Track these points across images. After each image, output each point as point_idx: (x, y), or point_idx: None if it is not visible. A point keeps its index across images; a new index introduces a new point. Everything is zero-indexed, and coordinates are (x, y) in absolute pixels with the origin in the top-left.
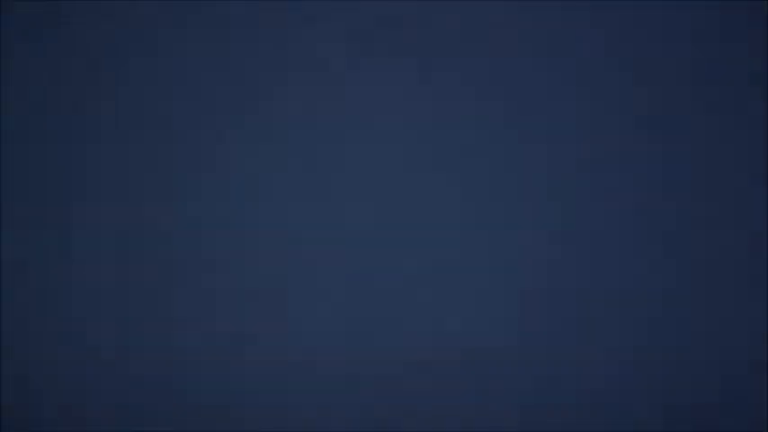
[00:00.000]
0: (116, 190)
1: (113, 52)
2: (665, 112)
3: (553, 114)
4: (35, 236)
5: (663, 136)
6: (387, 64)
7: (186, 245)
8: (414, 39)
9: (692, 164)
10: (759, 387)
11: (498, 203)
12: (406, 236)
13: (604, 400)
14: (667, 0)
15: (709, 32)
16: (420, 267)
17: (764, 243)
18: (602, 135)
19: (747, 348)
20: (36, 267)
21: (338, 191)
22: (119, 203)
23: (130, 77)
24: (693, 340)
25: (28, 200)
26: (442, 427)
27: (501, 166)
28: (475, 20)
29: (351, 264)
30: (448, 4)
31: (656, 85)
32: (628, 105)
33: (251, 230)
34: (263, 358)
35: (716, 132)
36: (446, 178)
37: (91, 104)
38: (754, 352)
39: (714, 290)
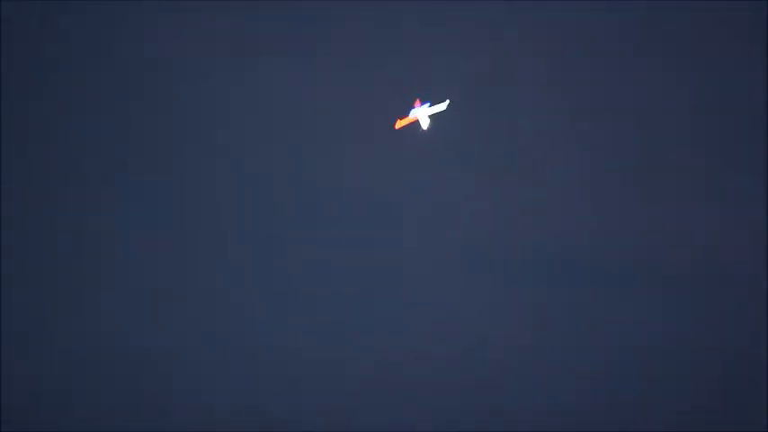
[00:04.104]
0: (116, 191)
1: (113, 53)
2: (665, 113)
3: (551, 115)
4: (36, 236)
5: (661, 136)
6: (386, 60)
7: (185, 245)
8: (415, 36)
9: (692, 164)
10: (759, 387)
11: (497, 202)
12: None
13: (604, 401)
14: (668, 0)
15: (709, 32)
16: (420, 266)
17: (764, 243)
18: (599, 136)
19: (747, 348)
20: (36, 268)
21: (337, 191)
22: (120, 204)
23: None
24: (694, 340)
25: (28, 200)
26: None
27: (500, 167)
28: (476, 18)
29: (350, 264)
30: (447, 4)
31: (655, 86)
32: (628, 106)
33: (250, 231)
34: (262, 358)
35: (716, 132)
36: (446, 179)
37: (91, 104)
38: (754, 352)
39: (714, 291)
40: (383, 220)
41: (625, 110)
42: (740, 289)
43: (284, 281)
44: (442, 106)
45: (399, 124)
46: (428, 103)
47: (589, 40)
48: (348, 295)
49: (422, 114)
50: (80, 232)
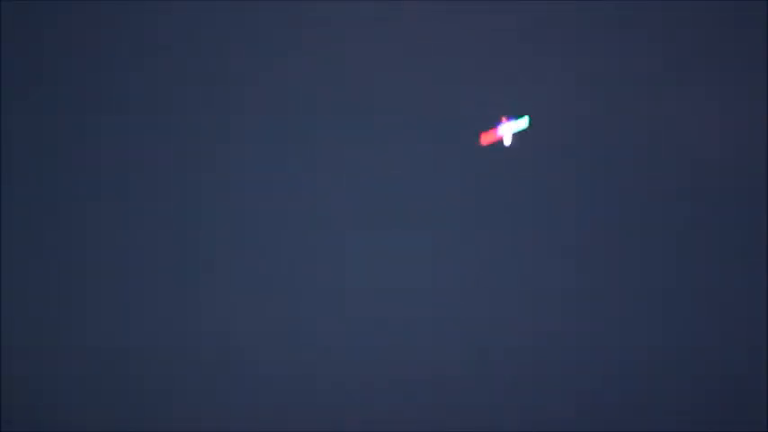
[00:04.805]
0: (116, 191)
1: (112, 53)
2: (665, 113)
3: (553, 113)
4: (35, 236)
5: (662, 137)
6: (385, 63)
7: (184, 245)
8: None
9: (693, 165)
10: (759, 387)
11: (500, 205)
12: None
13: (604, 401)
14: (668, 0)
15: (709, 32)
16: (419, 266)
17: (764, 243)
18: (602, 137)
19: (747, 348)
20: (36, 267)
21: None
22: (120, 204)
23: (130, 77)
24: (694, 340)
25: (28, 200)
26: (443, 426)
27: (500, 168)
28: (474, 22)
29: (351, 264)
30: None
31: (655, 86)
32: (628, 105)
33: (252, 233)
34: (264, 358)
35: (716, 132)
36: (446, 182)
37: (91, 105)
38: (754, 352)
39: (714, 290)
40: (384, 221)
41: (622, 110)
42: (740, 287)
43: (285, 281)
44: (524, 122)
45: (485, 140)
46: (512, 120)
47: (587, 39)
48: (349, 294)
49: (507, 131)
50: (81, 231)
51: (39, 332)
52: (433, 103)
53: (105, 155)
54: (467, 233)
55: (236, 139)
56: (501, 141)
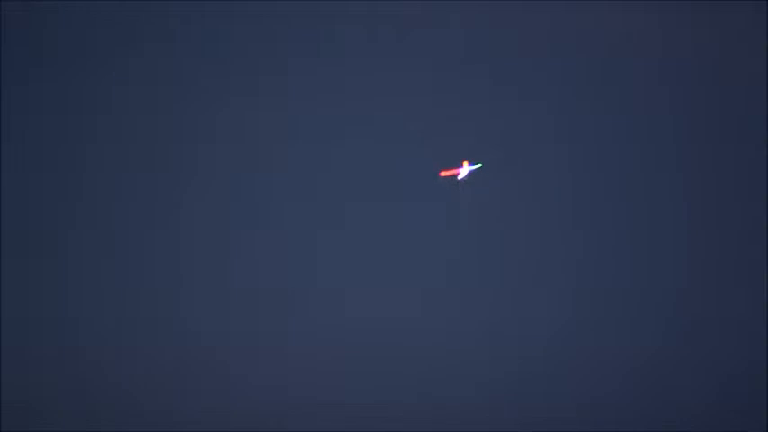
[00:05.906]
0: (115, 190)
1: (113, 52)
2: (665, 115)
3: (554, 118)
4: (35, 235)
5: (664, 139)
6: (389, 63)
7: (184, 245)
8: (421, 41)
9: (694, 166)
10: (759, 387)
11: (499, 205)
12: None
13: (604, 401)
14: (668, 1)
15: (709, 33)
16: (420, 267)
17: (764, 243)
18: (605, 138)
19: (747, 348)
20: (36, 267)
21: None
22: (119, 204)
23: (130, 76)
24: (694, 341)
25: (28, 200)
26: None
27: (501, 168)
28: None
29: (352, 264)
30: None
31: (654, 87)
32: (628, 108)
33: (251, 233)
34: (264, 358)
35: (716, 133)
36: (447, 182)
37: (90, 104)
38: (754, 352)
39: (714, 290)
40: (384, 221)
41: (621, 110)
42: (740, 287)
43: (285, 281)
44: (477, 166)
45: (444, 173)
46: (472, 164)
47: (586, 42)
48: (349, 294)
49: (464, 171)
50: (80, 230)
51: (39, 332)
52: (432, 103)
53: (104, 155)
54: (467, 234)
55: (236, 139)
56: (456, 176)
